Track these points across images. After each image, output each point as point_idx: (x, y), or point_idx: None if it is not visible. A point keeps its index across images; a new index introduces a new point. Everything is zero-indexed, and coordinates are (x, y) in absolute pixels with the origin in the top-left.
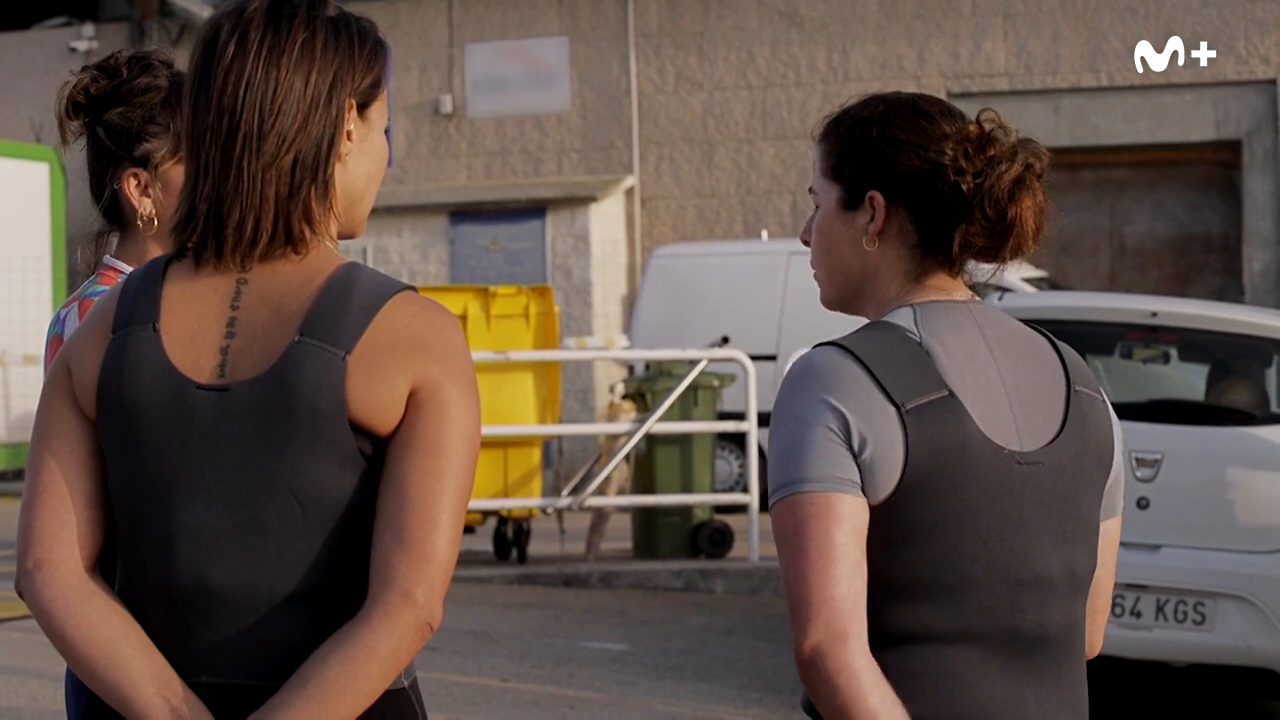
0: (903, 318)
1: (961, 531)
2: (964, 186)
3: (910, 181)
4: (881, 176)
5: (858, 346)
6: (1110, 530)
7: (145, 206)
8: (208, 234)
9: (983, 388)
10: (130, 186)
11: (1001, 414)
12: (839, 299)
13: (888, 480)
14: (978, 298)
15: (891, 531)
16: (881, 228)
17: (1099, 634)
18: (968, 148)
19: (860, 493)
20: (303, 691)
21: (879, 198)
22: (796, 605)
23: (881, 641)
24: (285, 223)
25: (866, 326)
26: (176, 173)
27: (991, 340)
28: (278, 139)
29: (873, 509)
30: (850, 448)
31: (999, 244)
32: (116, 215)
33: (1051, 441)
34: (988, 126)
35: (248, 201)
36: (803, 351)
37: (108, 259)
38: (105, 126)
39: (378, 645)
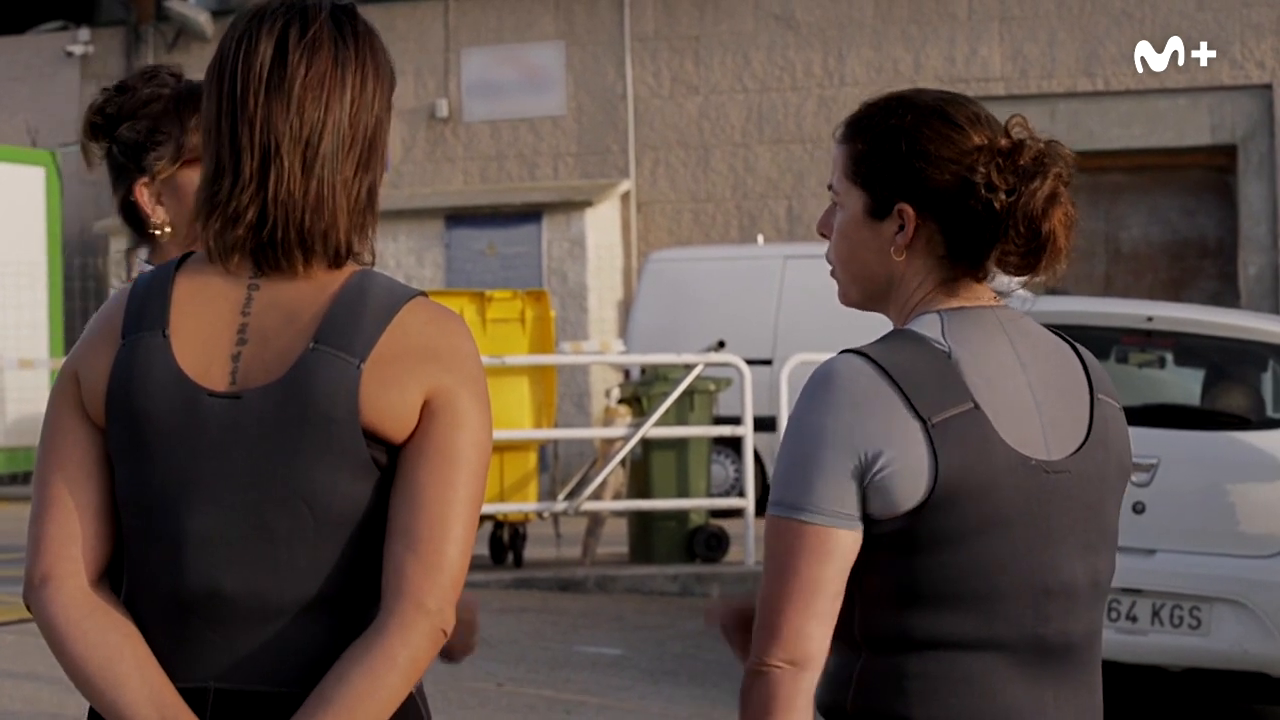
0: (929, 326)
1: (990, 542)
2: (996, 205)
3: (941, 196)
4: (911, 190)
5: (883, 357)
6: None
7: (158, 215)
8: (289, 243)
9: (1011, 397)
10: (143, 197)
11: (1030, 424)
12: (861, 301)
13: (908, 495)
14: (1003, 302)
15: (919, 541)
16: (911, 239)
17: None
18: (999, 162)
19: (858, 524)
20: (328, 708)
21: (909, 210)
22: (766, 624)
23: (906, 646)
24: (352, 238)
25: (891, 335)
26: (182, 176)
27: (1020, 347)
28: (355, 160)
29: (895, 519)
30: (860, 473)
31: (1034, 260)
32: (140, 227)
33: (1078, 450)
34: (1016, 135)
35: (329, 215)
36: (800, 357)
37: (142, 265)
38: (118, 142)
39: (396, 656)
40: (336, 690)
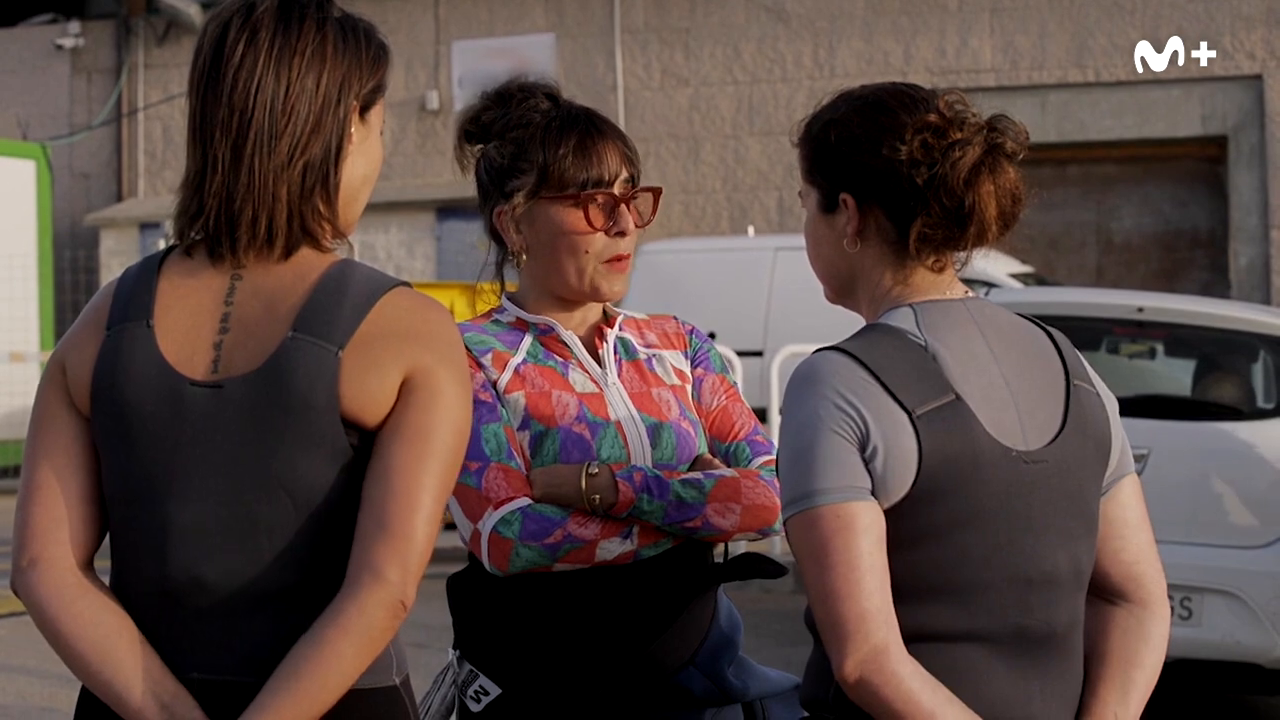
0: (904, 320)
1: (972, 534)
2: (918, 179)
3: (875, 180)
4: (849, 178)
5: (862, 352)
6: (1128, 488)
7: (514, 242)
8: (220, 231)
9: (986, 389)
10: (502, 221)
11: (1007, 415)
12: (834, 297)
13: (900, 487)
14: (973, 293)
15: (901, 535)
16: (859, 228)
17: (1160, 582)
18: (926, 137)
19: (874, 498)
20: (281, 682)
21: (850, 200)
22: (831, 624)
23: None
24: (301, 222)
25: (868, 330)
26: (539, 209)
27: (991, 339)
28: (290, 141)
29: (884, 514)
30: (863, 452)
31: (957, 234)
32: (504, 244)
33: (1054, 439)
34: (950, 112)
35: (260, 200)
36: (791, 349)
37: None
38: (485, 159)
39: (348, 624)
40: (288, 663)
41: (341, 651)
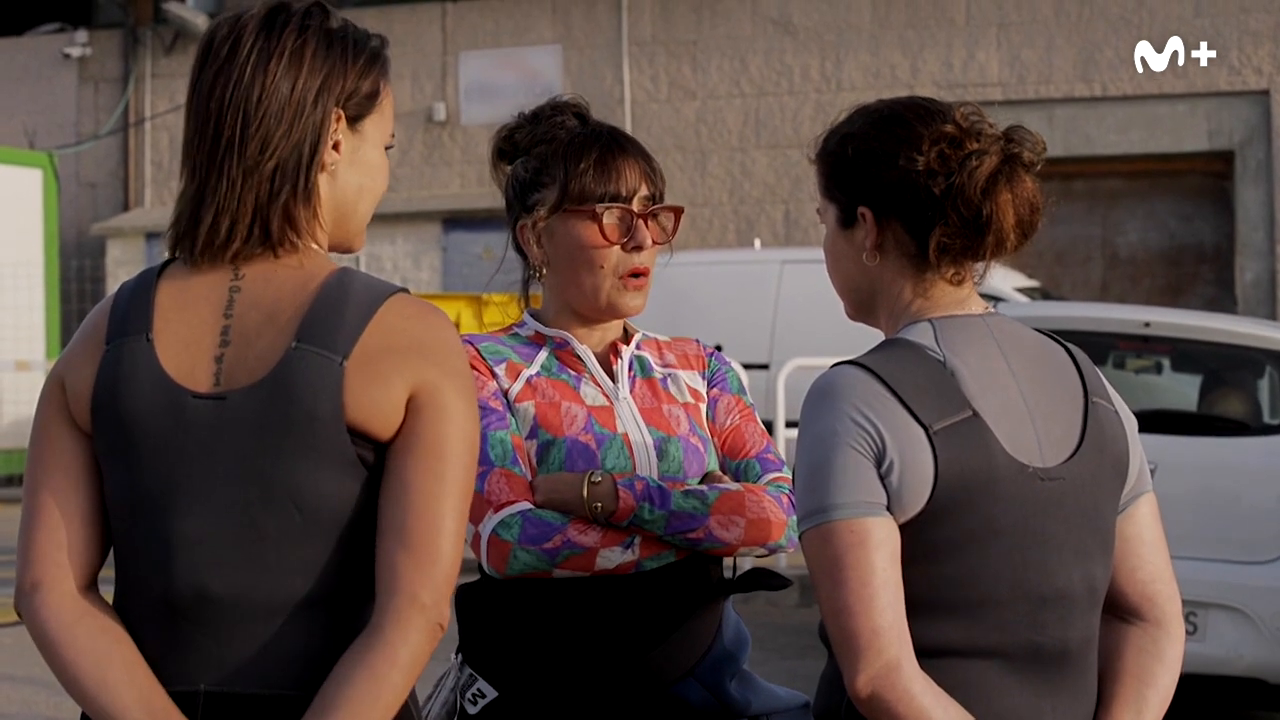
0: (923, 335)
1: (987, 550)
2: (935, 190)
3: (893, 193)
4: (867, 192)
5: (880, 366)
6: (1145, 506)
7: (534, 255)
8: (184, 234)
9: (1004, 405)
10: (524, 235)
11: (1024, 431)
12: (854, 313)
13: (915, 501)
14: (993, 309)
15: (916, 550)
16: (877, 242)
17: (1175, 601)
18: (943, 148)
19: (886, 513)
20: (333, 712)
21: (869, 214)
22: (844, 639)
23: None
24: (263, 226)
25: (886, 345)
26: (559, 224)
27: (1010, 355)
28: (260, 143)
29: (899, 529)
30: (879, 468)
31: (975, 243)
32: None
33: (1071, 456)
34: (966, 123)
35: (224, 204)
36: (798, 362)
37: (526, 316)
38: (512, 175)
39: (396, 655)
40: (341, 693)
41: (394, 683)
